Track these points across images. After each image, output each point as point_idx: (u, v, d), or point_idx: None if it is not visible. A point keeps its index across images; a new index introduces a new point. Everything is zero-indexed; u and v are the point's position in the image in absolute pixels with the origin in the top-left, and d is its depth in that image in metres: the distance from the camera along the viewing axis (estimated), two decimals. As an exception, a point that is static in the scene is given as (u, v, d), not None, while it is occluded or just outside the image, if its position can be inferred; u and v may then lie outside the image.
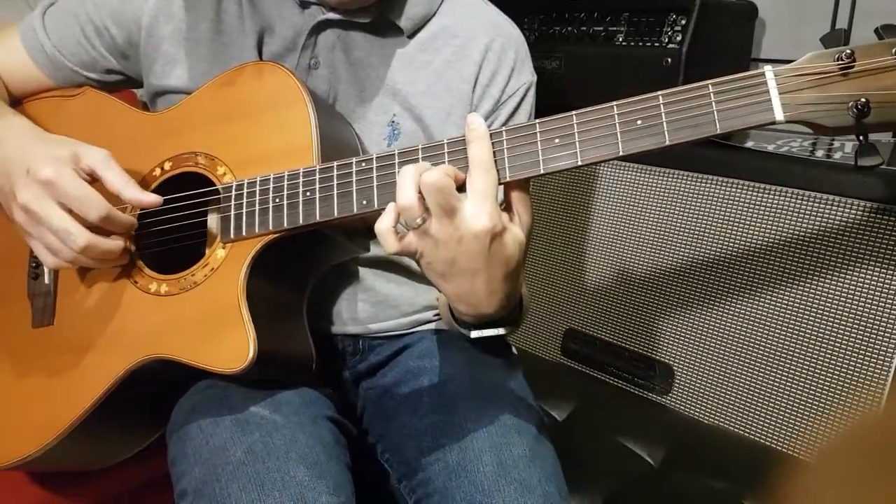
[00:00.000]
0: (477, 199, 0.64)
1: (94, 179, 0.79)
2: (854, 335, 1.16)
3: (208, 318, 0.77)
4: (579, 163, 0.64)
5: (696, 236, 1.35)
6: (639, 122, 0.63)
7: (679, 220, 1.38)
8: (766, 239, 1.26)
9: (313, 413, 0.85)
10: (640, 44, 1.49)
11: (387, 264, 0.95)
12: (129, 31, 0.91)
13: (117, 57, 0.94)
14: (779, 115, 0.59)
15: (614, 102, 0.64)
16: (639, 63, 1.47)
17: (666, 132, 0.62)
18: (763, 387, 1.27)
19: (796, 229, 1.22)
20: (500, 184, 0.67)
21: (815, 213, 1.20)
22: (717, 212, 1.32)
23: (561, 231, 1.57)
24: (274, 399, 0.84)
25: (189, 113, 0.86)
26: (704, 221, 1.34)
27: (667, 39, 1.46)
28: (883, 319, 1.13)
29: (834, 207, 1.18)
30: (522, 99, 0.94)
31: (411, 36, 0.90)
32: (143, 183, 0.85)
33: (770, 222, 1.25)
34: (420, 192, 0.63)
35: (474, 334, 0.77)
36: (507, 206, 0.69)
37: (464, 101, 0.91)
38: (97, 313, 0.84)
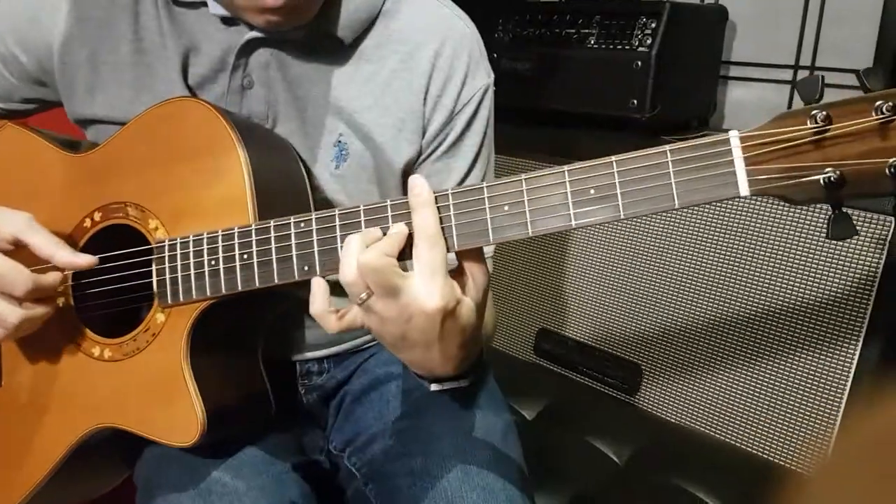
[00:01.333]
0: (425, 276, 0.56)
1: (17, 245, 0.70)
2: (817, 336, 1.13)
3: (154, 387, 0.69)
4: (530, 234, 0.55)
5: (666, 239, 1.30)
6: (592, 191, 0.53)
7: (650, 224, 1.33)
8: (736, 242, 1.21)
9: (276, 470, 0.77)
10: (612, 46, 1.42)
11: None
12: (39, 57, 0.78)
13: (33, 84, 0.81)
14: (744, 190, 0.49)
15: (566, 167, 0.55)
16: (610, 66, 1.40)
17: (620, 205, 0.52)
18: (729, 387, 1.23)
19: (765, 232, 1.18)
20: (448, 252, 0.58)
21: (784, 216, 1.16)
22: (687, 215, 1.27)
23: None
24: (236, 459, 0.76)
25: (116, 156, 0.75)
26: (675, 224, 1.29)
27: (637, 42, 1.40)
28: (846, 323, 1.09)
29: (804, 209, 1.14)
30: (479, 105, 0.81)
31: (353, 45, 0.77)
32: (73, 235, 0.75)
33: (740, 225, 1.21)
34: None
35: (433, 388, 0.70)
36: (459, 270, 0.60)
37: (415, 115, 0.78)
38: (45, 377, 0.76)
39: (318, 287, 0.59)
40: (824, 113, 0.49)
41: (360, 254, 0.56)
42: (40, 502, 0.78)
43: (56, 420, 0.75)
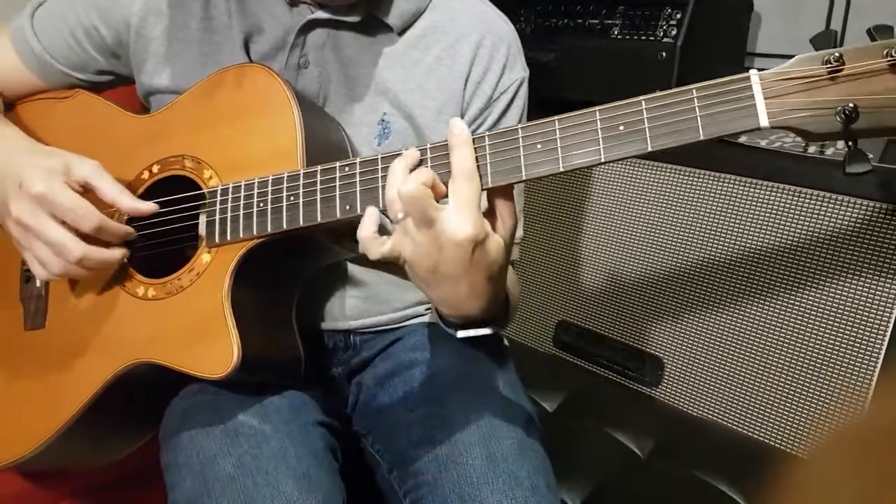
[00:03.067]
0: (461, 208, 0.61)
1: (86, 190, 0.77)
2: (841, 329, 1.14)
3: (194, 323, 0.75)
4: (561, 169, 0.61)
5: (687, 230, 1.32)
6: (621, 127, 0.59)
7: (670, 215, 1.35)
8: (756, 234, 1.23)
9: (303, 420, 0.82)
10: (636, 37, 1.45)
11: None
12: (118, 31, 0.87)
13: (107, 57, 0.90)
14: (763, 121, 0.55)
15: (597, 108, 0.61)
16: (634, 56, 1.43)
17: (648, 138, 0.58)
18: (751, 380, 1.24)
19: (786, 225, 1.19)
20: (482, 190, 0.63)
21: (805, 209, 1.17)
22: (708, 206, 1.29)
23: (554, 224, 1.54)
24: (263, 406, 0.82)
25: (177, 115, 0.83)
26: (695, 216, 1.31)
27: (662, 33, 1.42)
28: (871, 315, 1.10)
29: (825, 204, 1.15)
30: (514, 96, 0.90)
31: (401, 33, 0.86)
32: (132, 186, 0.82)
33: (761, 218, 1.22)
34: None
35: (460, 334, 0.75)
36: (490, 211, 0.66)
37: (455, 99, 0.87)
38: (87, 317, 0.81)
39: (371, 215, 0.64)
40: (837, 54, 0.55)
41: (399, 186, 0.61)
42: (62, 451, 0.83)
43: (95, 358, 0.80)
